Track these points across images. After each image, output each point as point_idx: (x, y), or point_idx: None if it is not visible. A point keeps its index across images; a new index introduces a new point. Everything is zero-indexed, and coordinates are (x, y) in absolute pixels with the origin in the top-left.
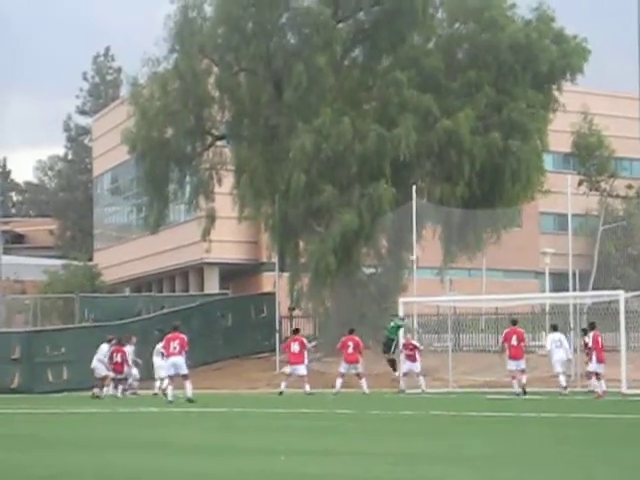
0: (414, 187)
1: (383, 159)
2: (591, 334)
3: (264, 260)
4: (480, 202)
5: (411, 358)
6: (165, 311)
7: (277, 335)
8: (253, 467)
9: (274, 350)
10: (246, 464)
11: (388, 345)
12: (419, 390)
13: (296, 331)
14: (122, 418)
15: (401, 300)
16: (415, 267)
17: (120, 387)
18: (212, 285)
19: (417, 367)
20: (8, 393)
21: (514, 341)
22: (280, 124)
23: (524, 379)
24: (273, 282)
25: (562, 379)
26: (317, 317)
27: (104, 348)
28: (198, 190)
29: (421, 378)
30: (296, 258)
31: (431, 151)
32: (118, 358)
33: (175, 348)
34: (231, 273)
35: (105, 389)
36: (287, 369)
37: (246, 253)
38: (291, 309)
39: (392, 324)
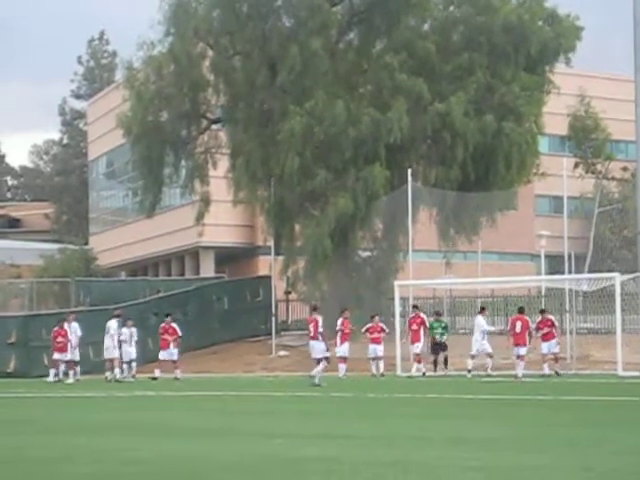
0: (409, 170)
1: (377, 142)
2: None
3: (260, 244)
4: (474, 185)
5: (377, 340)
6: (161, 295)
7: (273, 319)
8: (251, 450)
9: (270, 334)
10: (244, 447)
11: (436, 346)
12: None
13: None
14: (118, 402)
15: (396, 283)
16: (410, 250)
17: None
18: (208, 269)
19: (381, 350)
20: (4, 377)
21: (518, 328)
22: (275, 107)
23: (521, 366)
24: (269, 266)
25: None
26: (313, 301)
27: (113, 325)
28: (193, 174)
29: (380, 363)
30: (292, 241)
31: (425, 134)
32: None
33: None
34: (227, 257)
35: (116, 371)
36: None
37: (242, 237)
38: (287, 293)
39: (434, 323)
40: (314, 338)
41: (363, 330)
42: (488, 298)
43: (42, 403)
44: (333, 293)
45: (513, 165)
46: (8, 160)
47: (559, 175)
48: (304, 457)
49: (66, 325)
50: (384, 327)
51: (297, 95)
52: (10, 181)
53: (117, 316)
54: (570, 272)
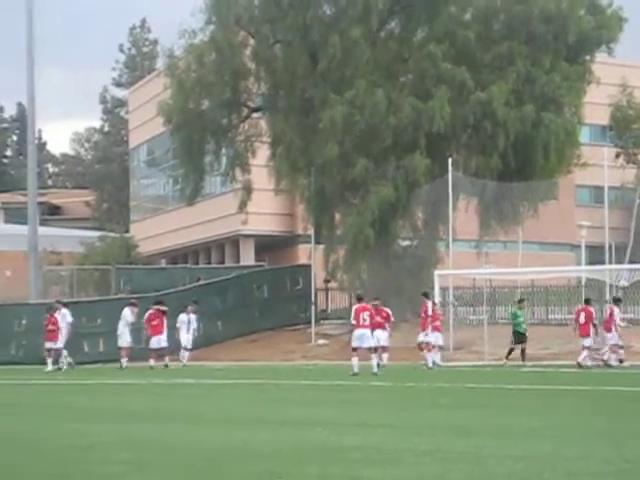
0: (450, 159)
1: (418, 131)
2: None
3: (300, 232)
4: (515, 174)
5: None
6: (201, 283)
7: (312, 307)
8: (290, 439)
9: (309, 322)
10: (282, 436)
11: (521, 336)
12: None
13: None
14: (157, 389)
15: (436, 272)
16: (451, 240)
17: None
18: (248, 257)
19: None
20: (45, 364)
21: (582, 319)
22: (315, 96)
23: (584, 355)
24: (308, 254)
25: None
26: (353, 290)
27: (128, 313)
28: (234, 162)
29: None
30: (332, 230)
31: (466, 123)
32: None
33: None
34: (267, 245)
35: (122, 359)
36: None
37: (282, 225)
38: (327, 281)
39: (518, 311)
40: (380, 326)
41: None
42: (528, 288)
43: (80, 390)
44: (373, 282)
45: (552, 155)
46: (49, 148)
47: (600, 165)
48: (344, 445)
49: (57, 313)
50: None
51: (338, 84)
52: (51, 168)
53: (132, 305)
54: (610, 262)
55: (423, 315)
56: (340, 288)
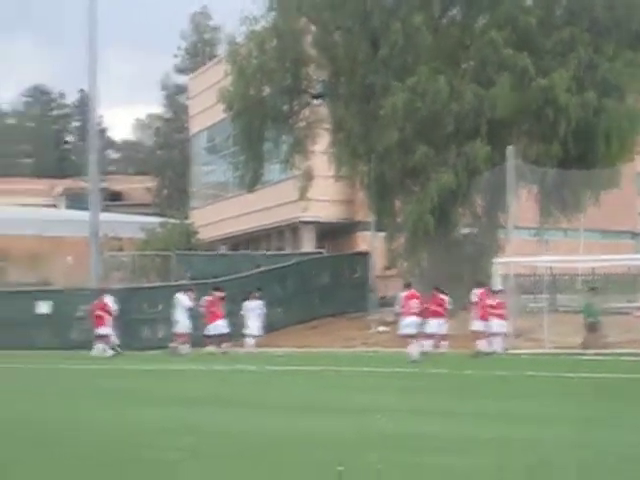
0: (510, 147)
1: (479, 118)
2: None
3: (360, 219)
4: (576, 162)
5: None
6: (261, 269)
7: (372, 294)
8: (350, 426)
9: (368, 309)
10: (343, 423)
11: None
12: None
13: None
14: (217, 375)
15: (497, 260)
16: (511, 227)
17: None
18: (308, 244)
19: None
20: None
21: None
22: (376, 83)
23: None
24: (368, 241)
25: None
26: (412, 277)
27: (184, 299)
28: (294, 149)
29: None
30: (392, 217)
31: (527, 110)
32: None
33: None
34: (327, 232)
35: (181, 346)
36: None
37: (342, 212)
38: (386, 269)
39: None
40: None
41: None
42: (589, 276)
43: (140, 375)
44: (432, 270)
45: (614, 142)
46: (111, 134)
47: None
48: (405, 433)
49: (105, 299)
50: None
51: (399, 70)
52: (112, 155)
53: (189, 290)
54: None
55: (478, 303)
56: (399, 276)
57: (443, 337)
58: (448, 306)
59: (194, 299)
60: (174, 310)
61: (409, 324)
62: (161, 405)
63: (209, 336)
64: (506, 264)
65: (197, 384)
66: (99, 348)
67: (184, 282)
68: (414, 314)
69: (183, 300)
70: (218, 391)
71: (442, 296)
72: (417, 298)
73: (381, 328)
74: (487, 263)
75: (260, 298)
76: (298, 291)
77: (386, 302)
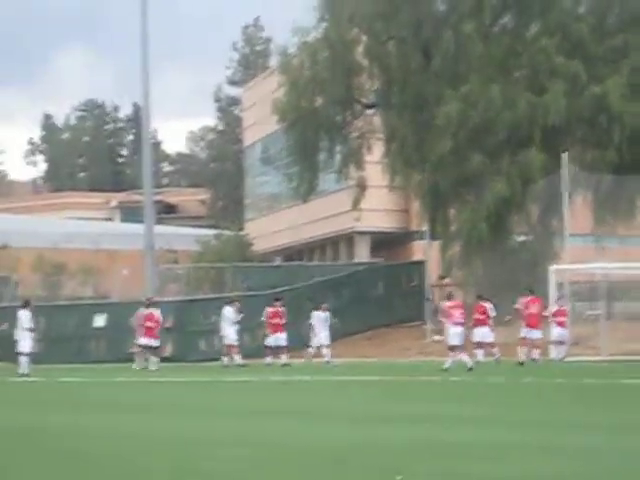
0: (565, 154)
1: (533, 126)
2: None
3: (414, 229)
4: (630, 168)
5: (562, 324)
6: (316, 280)
7: (427, 303)
8: (422, 435)
9: (423, 318)
10: (415, 432)
11: None
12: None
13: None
14: (274, 386)
15: (552, 268)
16: (566, 234)
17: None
18: (362, 254)
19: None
20: (162, 362)
21: None
22: (429, 92)
23: None
24: (423, 250)
25: None
26: (468, 286)
27: (230, 311)
28: (348, 159)
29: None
30: (446, 226)
31: (580, 117)
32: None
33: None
34: (381, 242)
35: (234, 357)
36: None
37: (396, 222)
38: (442, 277)
39: None
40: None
41: (548, 314)
42: None
43: (196, 387)
44: (488, 278)
45: None
46: (164, 147)
47: None
48: (458, 441)
49: (154, 310)
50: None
51: (451, 79)
52: (166, 167)
53: (232, 302)
54: None
55: (522, 310)
56: (455, 284)
57: (491, 345)
58: (492, 313)
59: (239, 310)
60: (222, 323)
61: (453, 335)
62: (217, 417)
63: (270, 347)
64: (562, 271)
65: (254, 395)
66: (152, 361)
67: (241, 293)
68: (459, 324)
69: (228, 312)
70: (275, 402)
71: (485, 304)
72: (461, 307)
73: (437, 337)
74: (542, 271)
75: (328, 309)
76: (354, 301)
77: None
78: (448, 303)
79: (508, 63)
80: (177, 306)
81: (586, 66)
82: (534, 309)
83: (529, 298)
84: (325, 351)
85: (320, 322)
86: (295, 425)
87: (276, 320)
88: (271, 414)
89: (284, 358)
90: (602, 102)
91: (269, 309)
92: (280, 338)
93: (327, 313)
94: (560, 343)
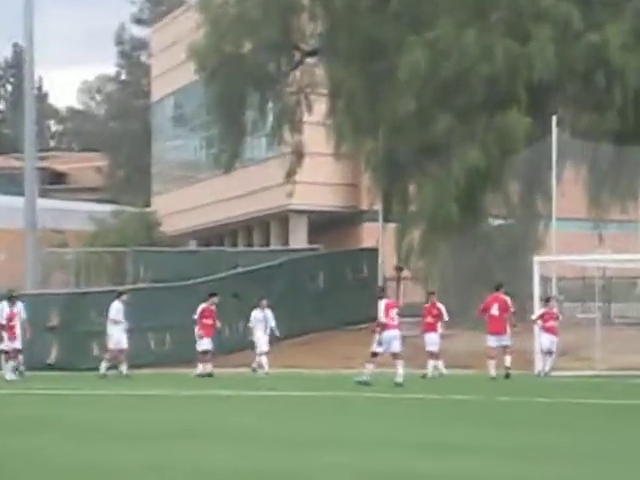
0: (554, 117)
1: (515, 82)
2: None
3: (364, 207)
4: (634, 136)
5: (552, 330)
6: (240, 270)
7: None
8: (360, 463)
9: (374, 321)
10: (352, 459)
11: None
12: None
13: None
14: (185, 402)
15: (536, 259)
16: (554, 218)
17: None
18: (299, 238)
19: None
20: (45, 370)
21: None
22: (385, 38)
23: None
24: (375, 235)
25: None
26: (431, 279)
27: (114, 307)
28: (283, 119)
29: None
30: (405, 205)
31: (574, 72)
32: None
33: None
34: (323, 224)
35: (122, 365)
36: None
37: (342, 198)
38: (398, 269)
39: None
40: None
41: (535, 317)
42: None
43: (95, 402)
44: (455, 270)
45: None
46: (52, 101)
47: None
48: (422, 472)
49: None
50: (558, 314)
51: (414, 23)
52: (54, 126)
53: (122, 294)
54: None
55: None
56: (415, 277)
57: (434, 355)
58: (445, 317)
59: (127, 304)
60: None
61: (391, 339)
62: (117, 440)
63: (205, 352)
64: (547, 264)
65: (159, 413)
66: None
67: (144, 285)
68: (394, 327)
69: (113, 308)
70: (186, 422)
71: (439, 305)
72: (395, 307)
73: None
74: (524, 263)
75: (268, 305)
76: (287, 298)
77: (399, 311)
78: (385, 301)
79: (484, 4)
80: (64, 300)
81: (581, 9)
82: (495, 310)
83: (491, 297)
84: (261, 359)
85: (259, 323)
86: (205, 448)
87: (210, 321)
88: (183, 437)
89: (208, 367)
90: (600, 54)
91: (203, 305)
92: (208, 342)
93: (266, 311)
94: (548, 353)
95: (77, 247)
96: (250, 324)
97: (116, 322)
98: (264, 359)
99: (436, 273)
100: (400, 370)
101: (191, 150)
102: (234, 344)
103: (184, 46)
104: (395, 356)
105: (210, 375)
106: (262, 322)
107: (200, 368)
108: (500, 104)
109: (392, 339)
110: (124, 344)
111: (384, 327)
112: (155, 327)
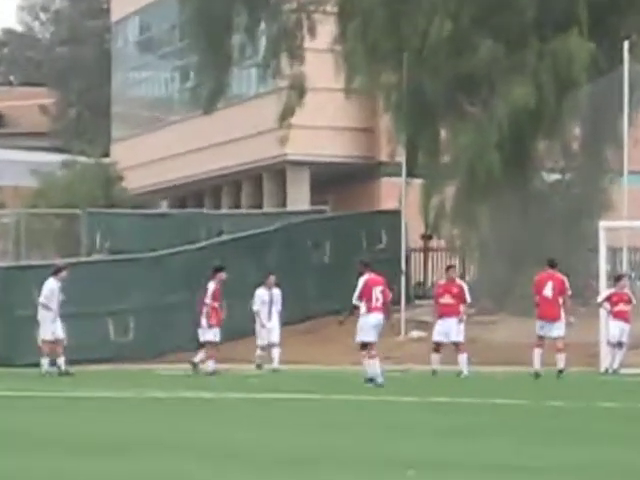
0: (626, 42)
1: None
2: None
3: (383, 159)
4: None
5: (623, 315)
6: (225, 238)
7: (403, 278)
8: None
9: (398, 303)
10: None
11: None
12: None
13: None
14: (157, 407)
15: (603, 224)
16: (625, 172)
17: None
18: (299, 198)
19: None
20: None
21: None
22: None
23: None
24: (397, 194)
25: None
26: (468, 251)
27: (48, 286)
28: (279, 45)
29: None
30: (435, 156)
31: None
32: None
33: None
34: (329, 179)
35: (60, 359)
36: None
37: (354, 147)
38: (426, 237)
39: None
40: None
41: (601, 299)
42: None
43: (37, 406)
44: (499, 240)
45: None
46: None
47: None
48: None
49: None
50: (631, 296)
51: None
52: None
53: (58, 271)
54: None
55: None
56: (448, 248)
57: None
58: (468, 299)
59: (63, 281)
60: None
61: (375, 325)
62: (66, 452)
63: (211, 343)
64: (617, 231)
65: (128, 419)
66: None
67: (101, 257)
68: (377, 310)
69: (46, 288)
70: (153, 432)
71: (459, 282)
72: (380, 285)
73: (415, 333)
74: (586, 229)
75: (276, 284)
76: (284, 273)
77: (426, 292)
78: (366, 276)
79: None
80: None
81: None
82: (548, 291)
83: (544, 274)
84: (275, 352)
85: (264, 306)
86: (183, 463)
87: (216, 302)
88: (151, 448)
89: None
90: None
91: (214, 286)
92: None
93: (273, 290)
94: (618, 345)
95: (16, 208)
96: (255, 307)
97: (47, 308)
98: (276, 351)
99: (474, 243)
100: (375, 365)
101: (161, 84)
102: (226, 332)
103: None
104: (368, 347)
105: (213, 373)
106: (267, 305)
107: (211, 365)
108: (556, 26)
109: (371, 328)
110: (60, 333)
111: (365, 310)
112: (115, 311)
